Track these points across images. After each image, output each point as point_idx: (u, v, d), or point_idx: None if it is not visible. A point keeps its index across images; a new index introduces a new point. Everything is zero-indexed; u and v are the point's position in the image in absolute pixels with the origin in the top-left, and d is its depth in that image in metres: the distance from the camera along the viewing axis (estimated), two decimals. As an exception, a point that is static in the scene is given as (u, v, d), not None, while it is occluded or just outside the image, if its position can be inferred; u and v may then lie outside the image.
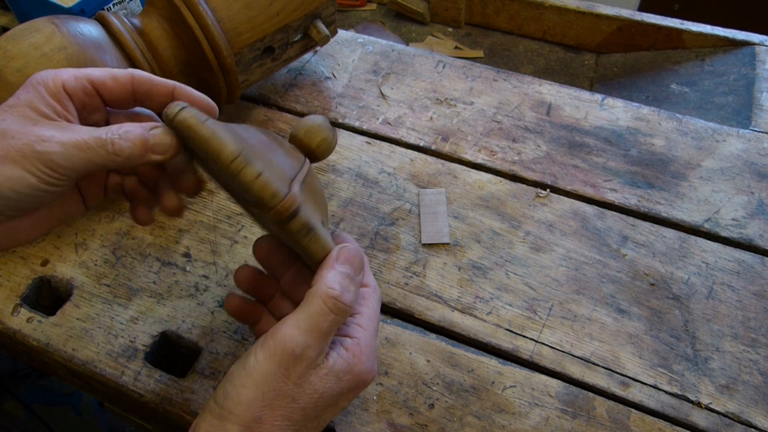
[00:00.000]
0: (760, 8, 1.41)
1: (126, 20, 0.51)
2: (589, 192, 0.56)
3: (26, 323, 0.48)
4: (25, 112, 0.32)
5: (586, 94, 0.64)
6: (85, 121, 0.36)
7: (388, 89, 0.66)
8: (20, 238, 0.36)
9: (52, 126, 0.32)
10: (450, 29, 0.98)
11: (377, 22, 1.00)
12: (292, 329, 0.32)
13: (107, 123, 0.38)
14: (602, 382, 0.45)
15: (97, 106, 0.36)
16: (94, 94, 0.35)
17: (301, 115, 0.63)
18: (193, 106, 0.33)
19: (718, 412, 0.43)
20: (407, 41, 0.97)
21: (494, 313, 0.48)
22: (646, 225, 0.54)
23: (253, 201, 0.31)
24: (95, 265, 0.51)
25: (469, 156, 0.59)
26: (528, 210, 0.55)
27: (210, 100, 0.37)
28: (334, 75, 0.67)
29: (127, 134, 0.33)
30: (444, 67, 0.68)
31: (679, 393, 0.44)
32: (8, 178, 0.31)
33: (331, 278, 0.33)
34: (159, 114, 0.38)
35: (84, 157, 0.32)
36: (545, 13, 0.89)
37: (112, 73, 0.35)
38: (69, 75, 0.34)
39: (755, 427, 0.42)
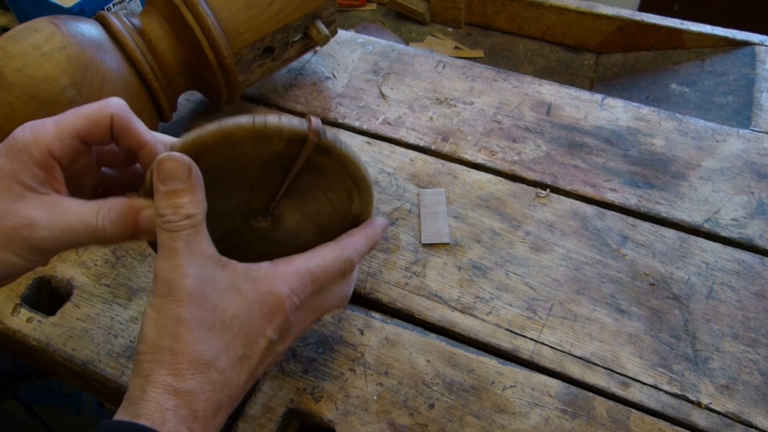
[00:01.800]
0: (760, 8, 1.41)
1: (126, 20, 0.51)
2: (589, 192, 0.56)
3: (26, 323, 0.48)
4: (8, 185, 0.31)
5: (586, 94, 0.64)
6: (74, 168, 0.35)
7: (388, 89, 0.66)
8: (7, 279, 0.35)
9: (38, 204, 0.31)
10: (450, 29, 0.98)
11: (377, 22, 1.00)
12: (158, 262, 0.32)
13: (97, 157, 0.37)
14: (602, 382, 0.45)
15: (84, 153, 0.35)
16: (82, 146, 0.34)
17: (302, 115, 0.63)
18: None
19: (718, 412, 0.43)
20: (407, 41, 0.97)
21: (494, 313, 0.48)
22: (646, 225, 0.54)
23: (287, 138, 0.33)
24: (95, 265, 0.51)
25: (469, 156, 0.59)
26: (528, 210, 0.55)
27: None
28: (334, 75, 0.67)
29: (119, 217, 0.32)
30: (444, 67, 0.68)
31: (679, 393, 0.44)
32: None
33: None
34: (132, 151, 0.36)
35: (71, 240, 0.32)
36: (545, 13, 0.89)
37: (93, 119, 0.33)
38: (52, 138, 0.32)
39: (755, 427, 0.42)
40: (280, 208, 0.38)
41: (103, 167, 0.38)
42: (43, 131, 0.32)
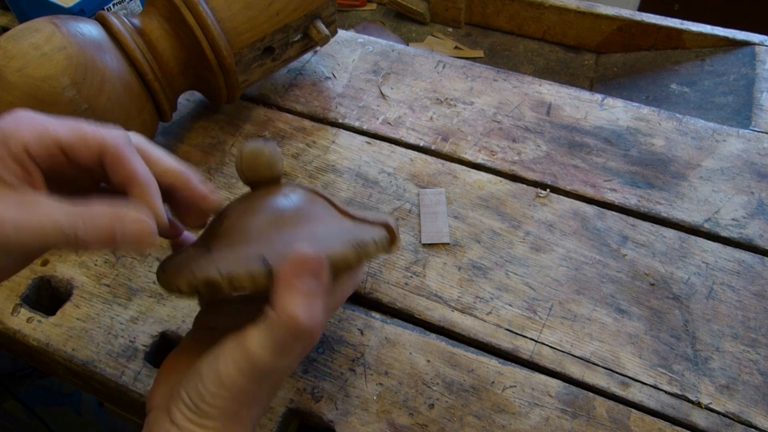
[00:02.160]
0: (760, 8, 1.41)
1: (126, 20, 0.51)
2: (589, 192, 0.56)
3: (26, 323, 0.48)
4: None
5: (586, 94, 0.64)
6: (60, 175, 0.32)
7: (388, 89, 0.66)
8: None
9: (10, 202, 0.29)
10: (450, 29, 0.98)
11: (377, 22, 1.00)
12: (261, 350, 0.29)
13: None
14: (602, 382, 0.45)
15: (65, 166, 0.32)
16: (60, 155, 0.31)
17: (302, 115, 0.63)
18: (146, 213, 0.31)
19: (718, 412, 0.43)
20: (407, 41, 0.97)
21: (494, 313, 0.48)
22: (646, 225, 0.54)
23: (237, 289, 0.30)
24: (95, 265, 0.51)
25: (469, 156, 0.59)
26: (528, 210, 0.55)
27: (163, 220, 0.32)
28: (334, 75, 0.67)
29: (94, 223, 0.29)
30: (444, 67, 0.68)
31: (679, 393, 0.44)
32: None
33: (291, 301, 0.29)
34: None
35: (39, 242, 0.28)
36: (545, 13, 0.89)
37: (82, 136, 0.31)
38: (32, 135, 0.30)
39: (755, 427, 0.42)
40: None
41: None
42: (27, 125, 0.30)
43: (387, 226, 0.34)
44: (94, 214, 0.29)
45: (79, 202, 0.30)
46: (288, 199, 0.35)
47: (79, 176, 0.33)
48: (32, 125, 0.30)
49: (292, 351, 0.30)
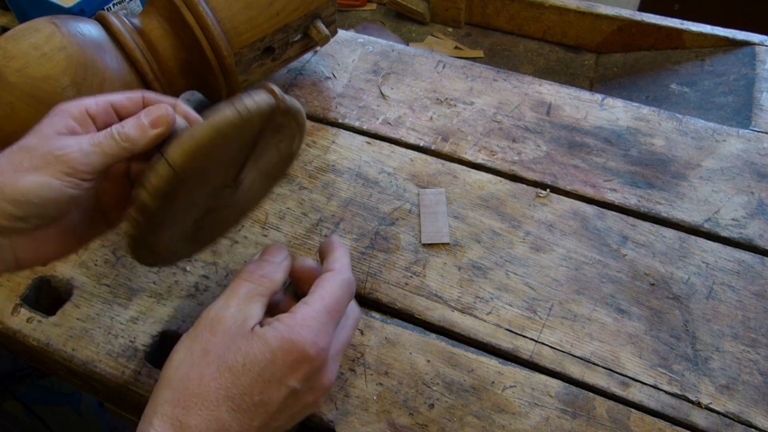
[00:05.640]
0: (760, 8, 1.41)
1: (126, 20, 0.51)
2: (589, 192, 0.56)
3: (26, 323, 0.48)
4: (45, 131, 0.35)
5: (586, 94, 0.64)
6: None
7: (388, 89, 0.65)
8: (46, 252, 0.38)
9: (67, 137, 0.35)
10: (450, 29, 0.98)
11: (377, 22, 1.00)
12: (215, 301, 0.36)
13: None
14: (602, 382, 0.45)
15: (115, 122, 0.38)
16: (113, 113, 0.37)
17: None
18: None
19: (718, 412, 0.43)
20: (407, 41, 0.97)
21: (494, 313, 0.48)
22: (646, 225, 0.54)
23: (265, 115, 0.35)
24: (95, 265, 0.51)
25: (469, 156, 0.59)
26: (528, 210, 0.55)
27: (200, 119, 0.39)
28: (334, 75, 0.67)
29: (127, 122, 0.36)
30: (444, 67, 0.68)
31: (679, 393, 0.44)
32: (33, 184, 0.33)
33: (250, 264, 0.38)
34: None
35: (99, 151, 0.34)
36: (545, 13, 0.89)
37: (127, 96, 0.38)
38: (90, 101, 0.36)
39: (755, 427, 0.42)
40: (244, 172, 0.40)
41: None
42: (84, 99, 0.36)
43: (266, 87, 0.36)
44: (128, 120, 0.36)
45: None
46: None
47: None
48: (90, 98, 0.36)
49: (239, 294, 0.36)
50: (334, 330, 0.36)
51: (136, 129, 0.35)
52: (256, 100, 0.34)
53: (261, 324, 0.35)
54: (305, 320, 0.35)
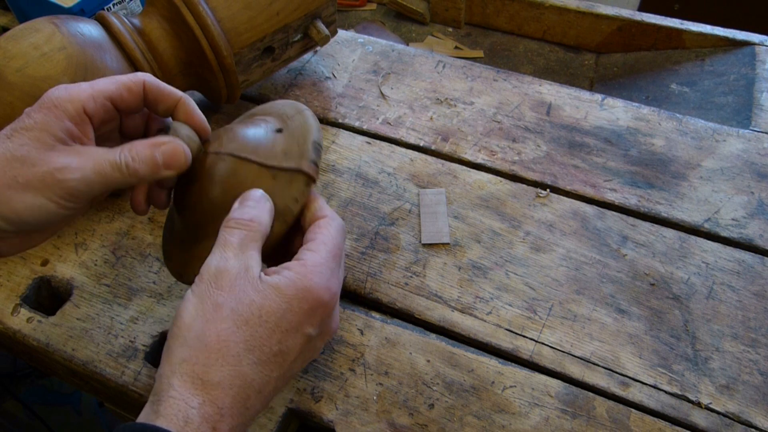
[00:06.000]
0: (760, 8, 1.41)
1: (126, 20, 0.51)
2: (589, 192, 0.56)
3: (26, 323, 0.48)
4: (41, 137, 0.33)
5: (586, 94, 0.64)
6: (100, 132, 0.37)
7: (388, 89, 0.66)
8: (30, 245, 0.37)
9: (68, 152, 0.33)
10: (450, 29, 0.98)
11: (377, 22, 1.00)
12: (211, 255, 0.34)
13: (121, 128, 0.39)
14: (602, 382, 0.45)
15: (113, 117, 0.37)
16: (112, 109, 0.36)
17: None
18: (189, 124, 0.37)
19: (718, 412, 0.43)
20: (407, 41, 0.97)
21: (494, 313, 0.48)
22: (646, 225, 0.54)
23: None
24: (95, 265, 0.51)
25: (469, 156, 0.59)
26: (528, 210, 0.55)
27: (205, 122, 0.39)
28: (334, 75, 0.67)
29: (139, 155, 0.34)
30: (444, 67, 0.68)
31: (679, 393, 0.44)
32: (29, 205, 0.32)
33: (234, 211, 0.36)
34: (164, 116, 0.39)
35: (101, 181, 0.34)
36: (545, 13, 0.89)
37: (126, 85, 0.36)
38: (87, 96, 0.34)
39: (755, 427, 0.42)
40: None
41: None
42: (78, 90, 0.34)
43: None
44: (136, 146, 0.35)
45: (123, 144, 0.35)
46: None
47: (114, 134, 0.39)
48: (82, 88, 0.35)
49: (233, 243, 0.35)
50: (339, 274, 0.37)
51: (147, 166, 0.34)
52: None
53: (266, 273, 0.35)
54: (315, 266, 0.35)
